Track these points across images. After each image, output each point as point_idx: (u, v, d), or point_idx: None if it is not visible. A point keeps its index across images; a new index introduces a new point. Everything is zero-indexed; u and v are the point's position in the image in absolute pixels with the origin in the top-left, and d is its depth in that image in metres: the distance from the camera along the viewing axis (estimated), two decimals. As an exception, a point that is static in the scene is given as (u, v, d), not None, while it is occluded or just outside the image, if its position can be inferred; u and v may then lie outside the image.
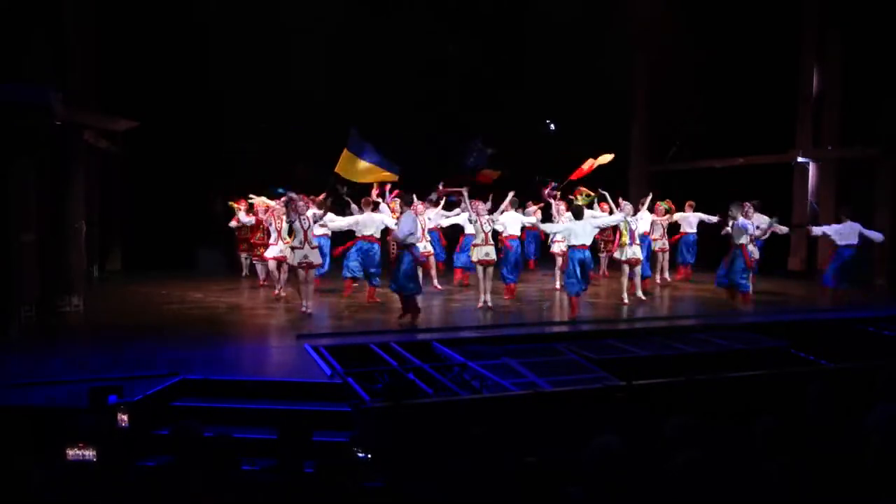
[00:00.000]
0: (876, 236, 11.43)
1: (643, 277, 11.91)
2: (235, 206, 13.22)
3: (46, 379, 6.63)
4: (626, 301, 11.18)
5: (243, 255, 13.86)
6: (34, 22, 9.70)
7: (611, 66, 16.82)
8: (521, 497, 3.21)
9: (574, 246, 10.07)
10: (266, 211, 12.01)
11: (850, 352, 8.49)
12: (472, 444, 3.81)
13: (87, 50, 12.98)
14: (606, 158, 13.26)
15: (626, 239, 11.24)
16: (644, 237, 12.12)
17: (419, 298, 9.81)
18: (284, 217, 11.12)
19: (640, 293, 11.49)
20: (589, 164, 13.19)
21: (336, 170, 10.70)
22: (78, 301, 10.26)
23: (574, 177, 13.19)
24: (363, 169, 10.74)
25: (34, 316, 8.98)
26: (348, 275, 11.61)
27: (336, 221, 11.20)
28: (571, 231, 10.20)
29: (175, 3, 14.59)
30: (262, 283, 12.76)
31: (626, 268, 11.35)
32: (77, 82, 12.00)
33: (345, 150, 10.67)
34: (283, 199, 11.16)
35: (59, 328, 9.32)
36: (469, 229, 11.97)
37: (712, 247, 12.99)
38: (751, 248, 11.20)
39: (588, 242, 10.21)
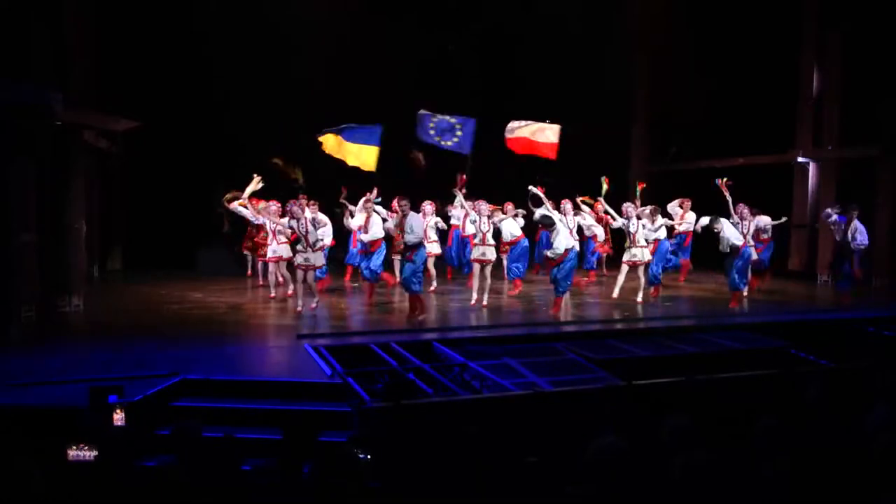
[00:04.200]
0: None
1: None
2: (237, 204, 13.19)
3: (46, 379, 6.63)
4: (639, 300, 11.20)
5: (247, 252, 13.80)
6: (35, 22, 9.71)
7: (611, 66, 16.81)
8: (521, 497, 3.21)
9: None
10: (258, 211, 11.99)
11: (850, 352, 8.49)
12: (472, 444, 3.81)
13: (87, 50, 12.99)
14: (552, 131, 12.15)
15: (627, 242, 11.29)
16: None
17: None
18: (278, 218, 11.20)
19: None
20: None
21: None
22: (78, 301, 10.27)
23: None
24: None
25: (34, 316, 8.97)
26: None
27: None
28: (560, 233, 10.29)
29: (175, 2, 14.59)
30: (261, 282, 12.75)
31: (636, 269, 11.34)
32: (77, 82, 12.01)
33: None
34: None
35: (59, 328, 9.31)
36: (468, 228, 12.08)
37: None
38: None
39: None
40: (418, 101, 11.69)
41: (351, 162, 11.01)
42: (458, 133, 11.20)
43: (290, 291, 11.55)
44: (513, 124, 12.14)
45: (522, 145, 12.07)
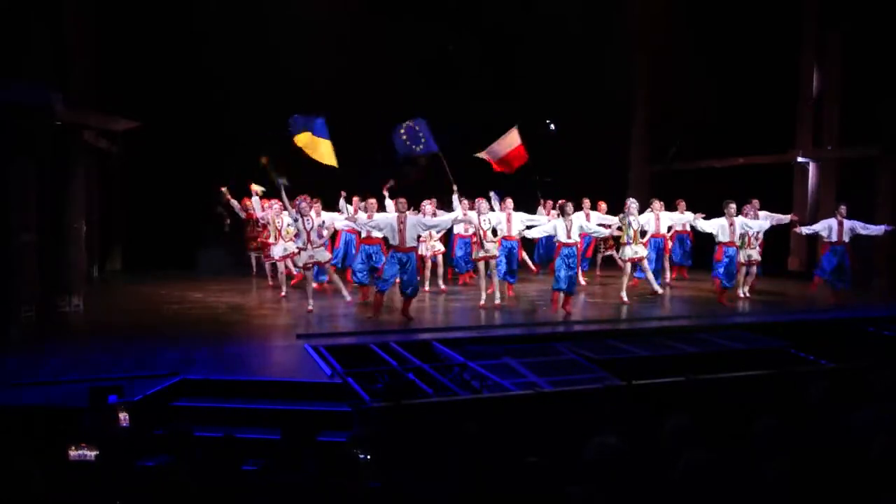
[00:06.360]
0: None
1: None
2: (244, 202, 13.16)
3: (46, 379, 6.63)
4: (625, 300, 11.19)
5: (253, 253, 13.75)
6: (35, 22, 9.70)
7: (611, 66, 16.81)
8: (521, 497, 3.21)
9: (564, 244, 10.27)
10: (263, 209, 12.02)
11: (850, 352, 8.49)
12: (472, 444, 3.81)
13: (87, 50, 12.99)
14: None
15: (625, 238, 11.31)
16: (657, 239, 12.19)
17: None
18: (284, 216, 11.23)
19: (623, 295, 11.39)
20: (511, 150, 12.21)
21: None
22: (78, 301, 10.26)
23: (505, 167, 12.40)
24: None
25: (34, 316, 8.98)
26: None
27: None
28: (556, 227, 10.42)
29: (175, 3, 14.59)
30: (271, 283, 12.73)
31: (628, 267, 11.40)
32: (77, 82, 12.02)
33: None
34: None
35: (59, 328, 9.31)
36: (458, 229, 12.10)
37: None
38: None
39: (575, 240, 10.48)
40: (418, 101, 11.69)
41: (316, 157, 11.10)
42: (422, 136, 11.32)
43: (282, 293, 11.68)
44: (485, 154, 12.21)
45: (503, 160, 12.24)
